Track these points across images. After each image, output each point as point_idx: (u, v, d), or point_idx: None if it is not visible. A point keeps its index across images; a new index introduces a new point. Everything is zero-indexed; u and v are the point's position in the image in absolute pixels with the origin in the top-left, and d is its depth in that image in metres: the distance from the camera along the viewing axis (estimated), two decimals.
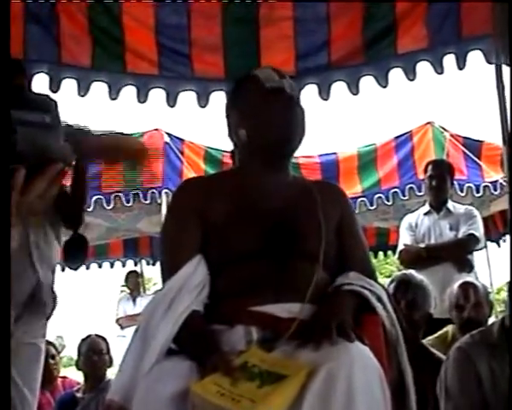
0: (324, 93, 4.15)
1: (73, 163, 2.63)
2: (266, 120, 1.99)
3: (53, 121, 2.25)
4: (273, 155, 2.04)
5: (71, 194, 2.81)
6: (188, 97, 4.15)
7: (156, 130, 6.36)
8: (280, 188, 2.05)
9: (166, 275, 1.98)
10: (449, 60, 4.06)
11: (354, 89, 4.14)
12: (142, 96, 4.08)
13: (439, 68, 4.06)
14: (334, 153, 6.89)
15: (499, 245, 8.28)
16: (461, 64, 4.06)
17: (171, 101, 4.12)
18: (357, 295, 1.96)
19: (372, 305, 1.94)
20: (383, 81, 4.11)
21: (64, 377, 5.02)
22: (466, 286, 3.58)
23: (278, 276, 1.92)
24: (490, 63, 3.99)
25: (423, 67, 4.08)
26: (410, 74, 4.08)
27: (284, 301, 1.88)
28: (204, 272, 1.96)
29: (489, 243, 7.89)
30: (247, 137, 2.04)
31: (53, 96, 3.83)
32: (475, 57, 4.06)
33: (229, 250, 1.96)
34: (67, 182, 2.82)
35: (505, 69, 3.96)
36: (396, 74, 4.10)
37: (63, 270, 6.93)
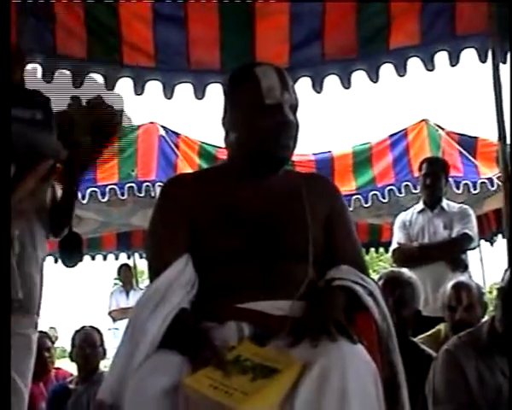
0: (317, 86, 4.15)
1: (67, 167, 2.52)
2: (258, 136, 1.98)
3: (44, 118, 2.21)
4: (261, 167, 2.04)
5: (61, 199, 2.74)
6: (184, 90, 4.15)
7: (152, 123, 6.35)
8: (268, 189, 2.05)
9: (155, 272, 1.96)
10: (441, 57, 4.05)
11: (346, 83, 4.14)
12: (138, 89, 4.07)
13: (429, 65, 4.06)
14: (329, 151, 6.88)
15: (492, 244, 8.27)
16: (453, 61, 4.05)
17: (168, 93, 4.11)
18: (349, 291, 1.94)
19: (363, 301, 1.93)
20: (374, 76, 4.11)
21: (57, 369, 5.02)
22: (458, 287, 3.53)
23: (266, 275, 1.92)
24: (482, 62, 3.99)
25: (417, 64, 4.08)
26: (401, 70, 4.08)
27: (273, 299, 1.88)
28: (192, 271, 1.96)
29: (482, 242, 7.90)
30: (237, 143, 2.05)
31: (46, 86, 3.82)
32: (471, 54, 4.05)
33: (216, 251, 1.96)
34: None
35: (502, 67, 3.96)
36: (389, 70, 4.11)
37: (56, 262, 6.93)
